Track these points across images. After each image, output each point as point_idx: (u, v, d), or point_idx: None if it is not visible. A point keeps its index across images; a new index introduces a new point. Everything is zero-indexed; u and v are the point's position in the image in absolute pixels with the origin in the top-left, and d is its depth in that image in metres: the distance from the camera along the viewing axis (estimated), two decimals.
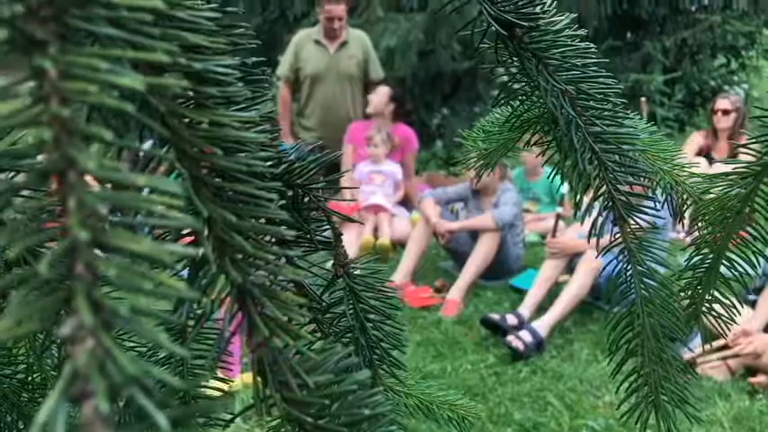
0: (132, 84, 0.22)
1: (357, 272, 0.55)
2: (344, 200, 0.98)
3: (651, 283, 0.53)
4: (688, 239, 0.70)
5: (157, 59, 0.25)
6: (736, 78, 7.99)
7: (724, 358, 3.22)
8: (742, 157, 0.51)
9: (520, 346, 3.52)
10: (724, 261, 0.54)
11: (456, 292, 4.11)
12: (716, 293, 0.56)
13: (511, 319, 3.69)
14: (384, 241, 4.77)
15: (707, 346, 2.70)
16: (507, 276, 4.38)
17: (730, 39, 7.46)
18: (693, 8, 7.44)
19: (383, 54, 6.53)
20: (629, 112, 0.59)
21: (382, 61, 6.09)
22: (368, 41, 5.64)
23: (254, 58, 0.46)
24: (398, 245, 4.87)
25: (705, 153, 5.15)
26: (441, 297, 4.19)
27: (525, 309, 3.76)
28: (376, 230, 4.92)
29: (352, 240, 4.70)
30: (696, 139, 5.31)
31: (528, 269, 4.37)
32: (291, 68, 5.53)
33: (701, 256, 0.55)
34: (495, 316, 3.77)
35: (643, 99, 6.52)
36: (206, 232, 0.35)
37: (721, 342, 3.16)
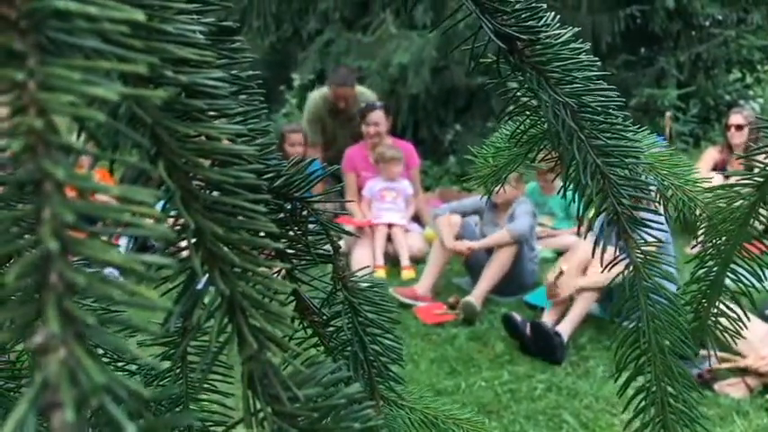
0: (106, 94, 0.22)
1: (356, 285, 0.54)
2: (341, 213, 0.99)
3: (657, 298, 0.52)
4: (694, 251, 0.69)
5: (136, 71, 0.25)
6: (751, 93, 7.93)
7: (741, 374, 3.17)
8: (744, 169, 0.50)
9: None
10: (729, 274, 0.53)
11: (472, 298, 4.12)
12: (722, 306, 0.54)
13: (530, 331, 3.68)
14: (409, 274, 4.73)
15: (724, 363, 2.64)
16: (521, 292, 4.35)
17: (745, 53, 7.41)
18: (707, 23, 7.41)
19: (396, 71, 6.57)
20: (638, 126, 0.58)
21: (395, 78, 6.13)
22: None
23: (252, 71, 0.46)
24: (413, 261, 4.85)
25: (720, 168, 5.10)
26: (454, 313, 4.17)
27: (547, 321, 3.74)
28: (389, 239, 4.90)
29: (365, 256, 4.70)
30: (711, 155, 5.27)
31: (542, 285, 4.34)
32: (316, 133, 5.67)
33: (705, 269, 0.54)
34: (518, 317, 3.75)
35: (668, 114, 6.46)
36: (195, 244, 0.34)
37: (741, 363, 3.12)
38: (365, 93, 5.82)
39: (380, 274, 4.68)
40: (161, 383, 0.57)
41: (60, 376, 0.20)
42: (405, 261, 4.78)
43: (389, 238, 4.92)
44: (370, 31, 6.96)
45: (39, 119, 0.23)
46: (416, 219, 5.28)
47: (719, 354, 3.15)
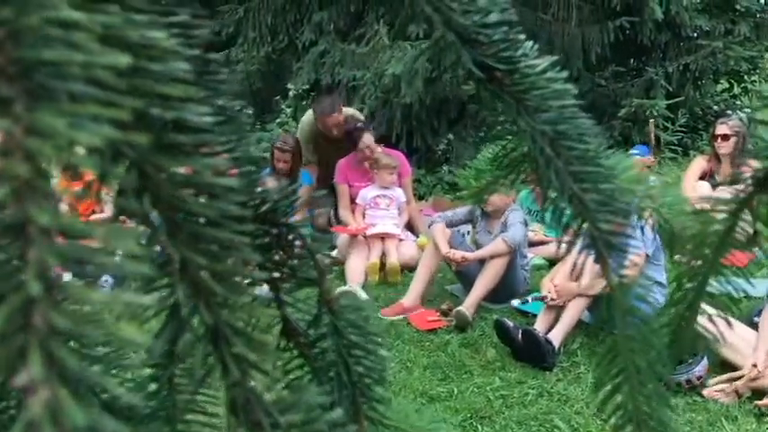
0: (89, 140, 0.23)
1: (341, 308, 0.55)
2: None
3: (632, 320, 0.54)
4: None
5: (120, 116, 0.26)
6: (738, 103, 8.01)
7: (730, 381, 3.19)
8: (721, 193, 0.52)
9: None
10: (706, 297, 0.54)
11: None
12: (698, 328, 0.56)
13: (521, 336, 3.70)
14: (393, 262, 4.77)
15: (721, 377, 2.63)
16: (513, 299, 4.37)
17: (732, 64, 7.49)
18: (695, 34, 7.49)
19: (390, 80, 6.60)
20: (627, 136, 0.59)
21: (388, 88, 6.17)
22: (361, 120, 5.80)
23: (241, 102, 0.47)
24: (406, 269, 4.87)
25: (708, 177, 5.16)
26: (447, 320, 4.18)
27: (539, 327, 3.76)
28: (383, 255, 4.92)
29: (360, 265, 4.71)
30: (699, 164, 5.33)
31: (533, 293, 4.36)
32: (310, 152, 5.73)
33: (682, 292, 0.55)
34: (510, 323, 3.77)
35: (651, 121, 6.51)
36: (179, 275, 0.35)
37: (736, 375, 3.14)
38: (354, 115, 5.86)
39: (373, 277, 4.71)
40: (149, 405, 0.57)
41: (42, 417, 0.21)
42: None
43: (384, 254, 4.95)
44: (364, 42, 7.00)
45: (24, 164, 0.24)
46: (409, 227, 5.31)
47: (715, 381, 3.17)
